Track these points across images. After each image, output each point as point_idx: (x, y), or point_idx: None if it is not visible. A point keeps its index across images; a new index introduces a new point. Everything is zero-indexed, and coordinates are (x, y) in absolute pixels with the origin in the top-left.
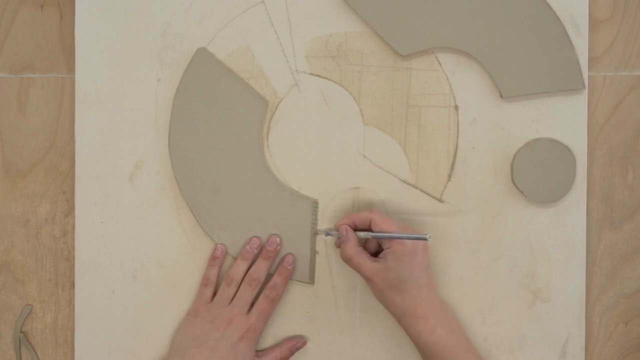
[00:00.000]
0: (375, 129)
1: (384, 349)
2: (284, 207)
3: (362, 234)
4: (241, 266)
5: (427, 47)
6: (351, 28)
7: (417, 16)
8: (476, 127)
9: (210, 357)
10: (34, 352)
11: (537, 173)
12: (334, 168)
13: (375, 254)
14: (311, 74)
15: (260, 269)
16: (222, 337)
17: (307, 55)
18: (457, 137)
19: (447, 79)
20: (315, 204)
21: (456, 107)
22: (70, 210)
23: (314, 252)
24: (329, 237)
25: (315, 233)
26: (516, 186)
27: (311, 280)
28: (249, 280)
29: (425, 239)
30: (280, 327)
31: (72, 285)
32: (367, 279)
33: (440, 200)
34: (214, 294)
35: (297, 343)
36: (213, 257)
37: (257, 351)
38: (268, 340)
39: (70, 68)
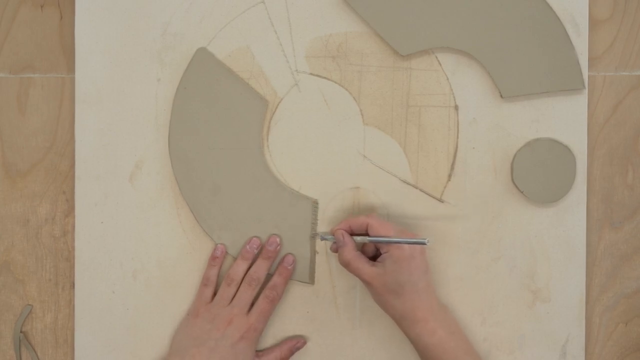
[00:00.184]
0: (375, 129)
1: (383, 349)
2: (284, 207)
3: (359, 239)
4: (241, 266)
5: (427, 47)
6: (351, 28)
7: (417, 16)
8: (476, 127)
9: (210, 357)
10: (34, 352)
11: (537, 173)
12: (334, 168)
13: (373, 258)
14: (311, 74)
15: (260, 269)
16: (222, 337)
17: (307, 55)
18: (457, 137)
19: (447, 79)
20: (315, 204)
21: (456, 107)
22: (70, 210)
23: (314, 252)
24: (323, 232)
25: (312, 236)
26: (516, 186)
27: (311, 280)
28: (249, 280)
29: (424, 243)
30: (280, 327)
31: (72, 285)
32: (366, 283)
33: (440, 200)
34: (214, 294)
35: (297, 343)
36: (213, 257)
37: (257, 351)
38: (268, 340)
39: (70, 68)
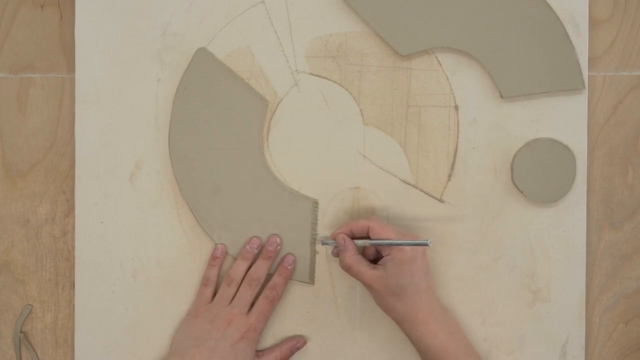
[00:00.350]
0: (375, 129)
1: (383, 349)
2: (284, 207)
3: (360, 242)
4: (241, 266)
5: (427, 47)
6: (351, 28)
7: (417, 16)
8: (476, 127)
9: (210, 357)
10: (34, 352)
11: (537, 173)
12: (334, 168)
13: (374, 261)
14: (311, 74)
15: (260, 269)
16: (222, 337)
17: (307, 55)
18: (457, 137)
19: (447, 79)
20: (315, 204)
21: (456, 107)
22: (70, 210)
23: (314, 252)
24: (324, 236)
25: (313, 239)
26: (516, 186)
27: (311, 280)
28: (249, 280)
29: (426, 245)
30: (280, 327)
31: (72, 285)
32: (368, 286)
33: (440, 200)
34: (214, 294)
35: (297, 343)
36: (213, 257)
37: (257, 351)
38: (268, 340)
39: (70, 68)
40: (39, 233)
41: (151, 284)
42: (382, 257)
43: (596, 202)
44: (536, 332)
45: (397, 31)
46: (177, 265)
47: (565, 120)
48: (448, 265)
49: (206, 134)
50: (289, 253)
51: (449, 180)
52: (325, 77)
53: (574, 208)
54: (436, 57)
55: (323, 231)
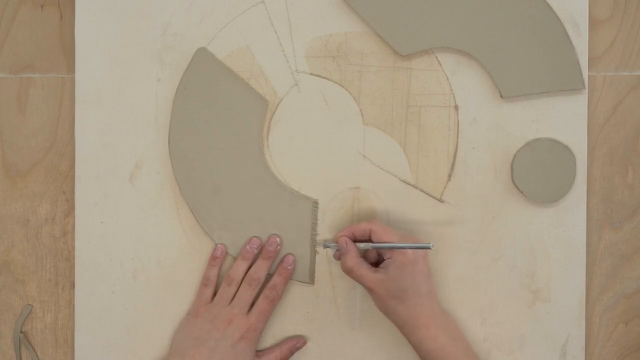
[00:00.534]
0: (375, 129)
1: (383, 349)
2: (284, 207)
3: (362, 245)
4: (241, 266)
5: (427, 47)
6: (351, 28)
7: (417, 16)
8: (476, 127)
9: (210, 357)
10: (34, 352)
11: (537, 173)
12: (334, 168)
13: (376, 264)
14: (311, 74)
15: (260, 269)
16: (222, 337)
17: (307, 55)
18: (457, 137)
19: (447, 79)
20: (315, 204)
21: (456, 107)
22: (70, 210)
23: (314, 252)
24: (326, 240)
25: (314, 243)
26: (516, 186)
27: (311, 280)
28: (249, 280)
29: (428, 248)
30: (280, 327)
31: (72, 285)
32: (369, 290)
33: (440, 200)
34: (214, 294)
35: (297, 343)
36: (213, 257)
37: (257, 351)
38: (268, 340)
39: (70, 68)
40: (39, 233)
41: (151, 284)
42: (384, 260)
43: (596, 202)
44: (536, 332)
45: (397, 31)
46: (177, 265)
47: (565, 120)
48: (448, 265)
49: (206, 134)
50: (289, 253)
51: (449, 180)
52: (325, 77)
53: (574, 208)
54: (436, 57)
55: (323, 231)
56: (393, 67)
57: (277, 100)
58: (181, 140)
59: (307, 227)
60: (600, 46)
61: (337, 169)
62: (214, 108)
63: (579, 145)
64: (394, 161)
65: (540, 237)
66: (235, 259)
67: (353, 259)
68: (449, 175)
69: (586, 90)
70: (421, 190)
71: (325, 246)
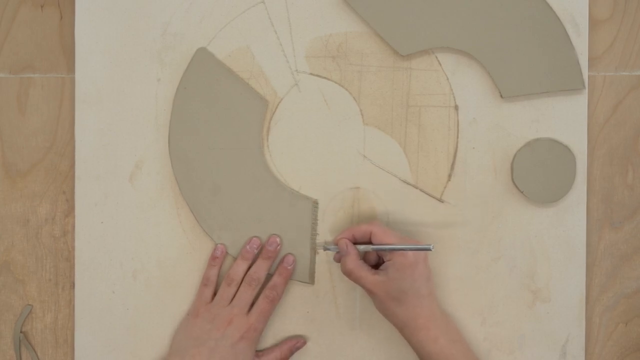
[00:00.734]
0: (375, 129)
1: (383, 349)
2: (284, 207)
3: (362, 247)
4: (241, 266)
5: (427, 47)
6: (351, 28)
7: (417, 16)
8: (476, 127)
9: (210, 357)
10: (34, 352)
11: (537, 173)
12: (334, 168)
13: (376, 266)
14: (311, 74)
15: (260, 269)
16: (222, 337)
17: (307, 55)
18: (457, 137)
19: (447, 79)
20: (315, 204)
21: (456, 107)
22: (70, 210)
23: (314, 252)
24: (326, 242)
25: (314, 243)
26: (516, 186)
27: (311, 280)
28: (249, 280)
29: (428, 249)
30: (280, 327)
31: (72, 285)
32: (369, 292)
33: (440, 200)
34: (214, 294)
35: (297, 343)
36: (213, 257)
37: (257, 351)
38: (268, 340)
39: (70, 68)
40: (39, 233)
41: (151, 284)
42: (384, 262)
43: (596, 202)
44: (536, 332)
45: (397, 31)
46: (177, 265)
47: (565, 120)
48: (448, 265)
49: (206, 134)
50: (289, 253)
51: (449, 180)
52: (325, 77)
53: (574, 208)
54: (436, 57)
55: (323, 231)
56: (393, 67)
57: (277, 100)
58: (181, 140)
59: (307, 227)
60: (600, 46)
61: (337, 169)
62: (214, 108)
63: (579, 145)
64: (394, 161)
65: (540, 237)
66: (235, 259)
67: (353, 261)
68: (449, 175)
69: (586, 90)
70: (421, 190)
71: (326, 248)
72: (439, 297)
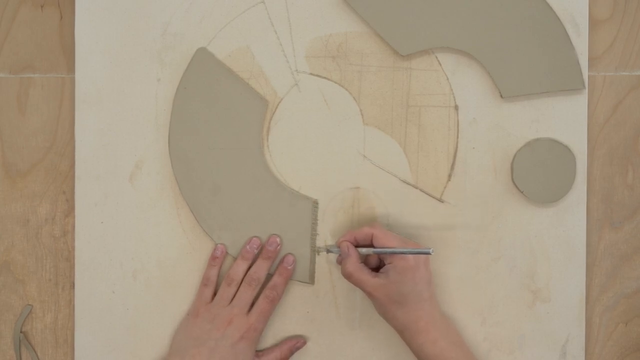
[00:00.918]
0: (375, 129)
1: (383, 349)
2: (284, 207)
3: (364, 250)
4: (241, 266)
5: (427, 47)
6: (351, 28)
7: (417, 16)
8: (476, 127)
9: (210, 357)
10: (34, 352)
11: (537, 173)
12: (334, 168)
13: (377, 268)
14: (311, 74)
15: (260, 269)
16: (222, 337)
17: (307, 55)
18: (457, 137)
19: (447, 79)
20: (315, 204)
21: (456, 107)
22: (70, 210)
23: (314, 252)
24: (329, 245)
25: (314, 243)
26: (516, 186)
27: (311, 280)
28: (249, 280)
29: (428, 253)
30: (280, 327)
31: (72, 285)
32: (369, 295)
33: (440, 200)
34: (214, 294)
35: (297, 343)
36: (213, 257)
37: (257, 351)
38: (268, 340)
39: (70, 68)
40: (39, 233)
41: (151, 284)
42: (385, 265)
43: (596, 202)
44: (536, 332)
45: (397, 31)
46: (177, 265)
47: (565, 120)
48: (448, 266)
49: (206, 134)
50: (289, 253)
51: (449, 180)
52: (325, 77)
53: (574, 208)
54: (436, 57)
55: (323, 231)
56: (393, 67)
57: (277, 100)
58: (181, 140)
59: (307, 227)
60: (600, 46)
61: (337, 169)
62: (214, 108)
63: (579, 145)
64: (394, 161)
65: (540, 237)
66: (235, 259)
67: (353, 264)
68: (449, 175)
69: (586, 90)
70: (421, 190)
71: (329, 251)
72: (439, 298)
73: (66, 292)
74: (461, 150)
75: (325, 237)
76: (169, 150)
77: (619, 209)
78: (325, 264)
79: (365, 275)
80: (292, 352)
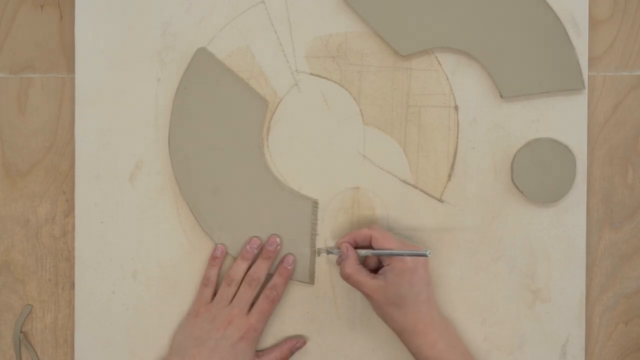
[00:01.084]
0: (375, 129)
1: (383, 349)
2: (284, 207)
3: (362, 252)
4: (241, 266)
5: (427, 47)
6: (351, 28)
7: (417, 16)
8: (476, 127)
9: (210, 357)
10: (34, 352)
11: (537, 173)
12: (334, 168)
13: (376, 270)
14: (311, 74)
15: (260, 269)
16: (222, 337)
17: (307, 55)
18: (457, 137)
19: (447, 79)
20: (315, 204)
21: (456, 107)
22: (70, 210)
23: (314, 252)
24: (329, 246)
25: (314, 243)
26: (516, 186)
27: (311, 280)
28: (249, 280)
29: (425, 255)
30: (280, 327)
31: (72, 285)
32: (367, 296)
33: (440, 200)
34: (214, 294)
35: (297, 343)
36: (213, 257)
37: (257, 351)
38: (268, 340)
39: (70, 68)
40: (39, 233)
41: (151, 284)
42: (383, 266)
43: (596, 202)
44: (536, 332)
45: (397, 31)
46: (177, 265)
47: (565, 120)
48: (448, 266)
49: (206, 134)
50: (289, 253)
51: (449, 180)
52: (325, 77)
53: (574, 208)
54: (436, 57)
55: (323, 231)
56: (393, 67)
57: (277, 100)
58: (181, 140)
59: (307, 227)
60: (600, 46)
61: (337, 169)
62: (214, 108)
63: (579, 145)
64: (394, 161)
65: (540, 237)
66: (235, 259)
67: (351, 265)
68: (449, 176)
69: (586, 90)
70: (421, 190)
71: (329, 252)
72: (439, 298)
73: (66, 292)
74: (461, 150)
75: (325, 237)
76: (169, 150)
77: (619, 209)
78: (325, 264)
79: (364, 277)
80: (292, 352)
